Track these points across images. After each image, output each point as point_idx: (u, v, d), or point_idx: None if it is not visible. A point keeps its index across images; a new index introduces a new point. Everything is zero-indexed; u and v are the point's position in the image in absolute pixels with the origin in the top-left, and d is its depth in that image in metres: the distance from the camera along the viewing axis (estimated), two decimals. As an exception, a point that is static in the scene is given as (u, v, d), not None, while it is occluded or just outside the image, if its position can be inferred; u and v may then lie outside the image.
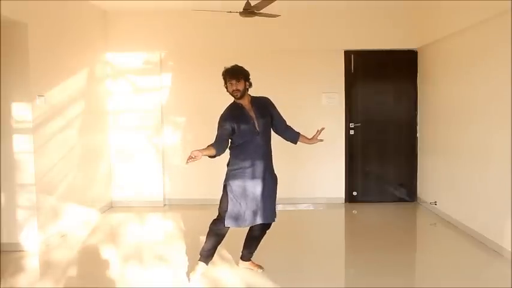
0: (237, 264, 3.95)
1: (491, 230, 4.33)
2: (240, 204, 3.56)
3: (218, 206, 3.70)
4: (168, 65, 6.31)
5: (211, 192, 6.32)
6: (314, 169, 6.34)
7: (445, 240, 4.80)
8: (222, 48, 6.24)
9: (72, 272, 3.98)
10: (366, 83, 6.36)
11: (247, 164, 3.57)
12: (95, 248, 4.58)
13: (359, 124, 6.33)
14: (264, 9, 4.74)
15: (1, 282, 3.65)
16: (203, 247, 3.67)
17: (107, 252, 4.41)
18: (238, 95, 3.55)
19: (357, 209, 6.17)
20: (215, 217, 3.69)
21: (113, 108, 6.25)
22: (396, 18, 6.16)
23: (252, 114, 3.61)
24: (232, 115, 3.58)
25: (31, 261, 4.20)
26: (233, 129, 3.54)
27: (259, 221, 3.58)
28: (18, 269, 4.00)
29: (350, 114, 6.32)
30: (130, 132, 6.26)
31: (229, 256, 4.17)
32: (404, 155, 6.39)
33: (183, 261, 4.14)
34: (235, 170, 3.61)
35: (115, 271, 3.92)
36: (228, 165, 3.72)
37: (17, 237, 4.39)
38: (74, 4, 5.26)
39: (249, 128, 3.56)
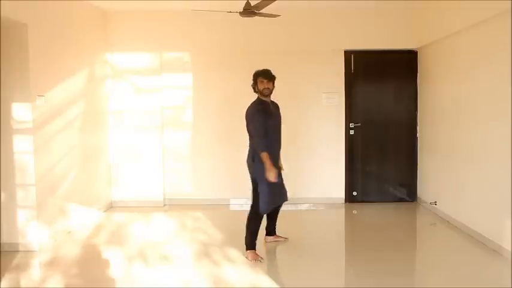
0: (242, 262, 4.03)
1: (491, 230, 4.33)
2: (276, 189, 4.16)
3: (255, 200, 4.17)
4: (168, 65, 6.31)
5: (211, 192, 6.38)
6: (314, 169, 6.34)
7: (445, 240, 4.80)
8: (221, 48, 6.24)
9: (72, 272, 3.97)
10: (366, 83, 6.36)
11: (273, 156, 4.11)
12: (94, 248, 4.58)
13: (359, 124, 6.33)
14: (264, 9, 4.74)
15: (1, 282, 3.66)
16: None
17: (107, 253, 4.42)
18: (268, 92, 4.18)
19: (357, 209, 6.17)
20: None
21: (113, 109, 6.25)
22: (396, 18, 6.16)
23: (274, 112, 4.25)
24: (263, 109, 4.13)
25: (31, 262, 4.20)
26: (265, 122, 4.09)
27: (286, 199, 4.39)
28: (19, 269, 4.00)
29: (350, 114, 6.32)
30: (130, 132, 6.26)
31: (232, 256, 4.18)
32: (405, 155, 6.39)
33: (183, 260, 4.14)
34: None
35: (115, 271, 3.93)
36: (254, 160, 4.11)
37: (17, 237, 4.39)
38: (74, 4, 5.26)
39: (273, 123, 4.19)
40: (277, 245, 4.54)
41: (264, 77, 4.17)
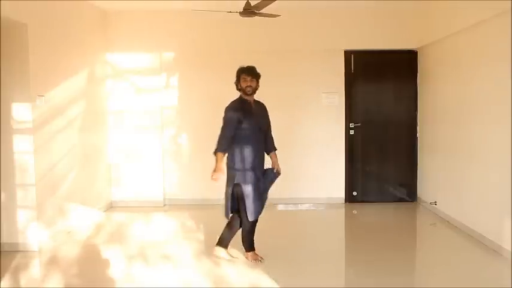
0: (242, 262, 4.02)
1: (491, 230, 4.33)
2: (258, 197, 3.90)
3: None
4: (168, 65, 6.31)
5: (211, 192, 6.34)
6: (314, 169, 6.34)
7: (445, 240, 4.80)
8: (222, 48, 6.24)
9: (72, 272, 3.97)
10: (366, 83, 6.36)
11: (253, 161, 3.86)
12: (94, 248, 4.58)
13: (359, 124, 6.33)
14: (264, 9, 4.74)
15: (1, 282, 3.66)
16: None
17: (107, 253, 4.41)
18: (251, 90, 3.89)
19: (357, 209, 6.17)
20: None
21: (113, 109, 6.25)
22: (396, 18, 6.16)
23: (256, 112, 3.96)
24: (241, 107, 3.88)
25: (31, 262, 4.20)
26: (239, 121, 3.81)
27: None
28: (19, 269, 4.00)
29: (350, 114, 6.32)
30: (130, 132, 6.26)
31: (232, 256, 4.18)
32: (405, 155, 6.39)
33: (183, 260, 4.14)
34: (246, 169, 3.85)
35: (115, 271, 3.92)
36: (233, 163, 3.87)
37: (17, 237, 4.39)
38: (74, 4, 5.26)
39: (254, 124, 3.89)
40: (278, 245, 4.52)
41: (247, 74, 3.88)
